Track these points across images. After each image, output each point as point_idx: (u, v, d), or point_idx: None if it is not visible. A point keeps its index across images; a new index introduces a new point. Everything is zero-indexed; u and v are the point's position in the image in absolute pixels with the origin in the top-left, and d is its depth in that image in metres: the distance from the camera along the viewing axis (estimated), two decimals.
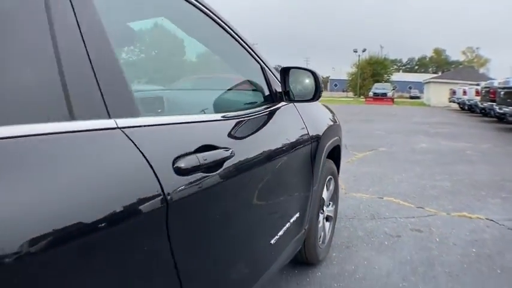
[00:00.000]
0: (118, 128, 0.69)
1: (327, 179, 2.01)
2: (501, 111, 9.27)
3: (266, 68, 1.41)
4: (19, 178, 0.53)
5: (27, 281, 0.50)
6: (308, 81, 1.40)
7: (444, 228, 2.60)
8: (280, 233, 1.34)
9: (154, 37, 1.99)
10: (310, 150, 1.63)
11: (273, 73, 1.44)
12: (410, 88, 53.38)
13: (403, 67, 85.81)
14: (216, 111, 1.23)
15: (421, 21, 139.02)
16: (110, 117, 0.68)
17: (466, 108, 16.28)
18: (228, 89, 1.49)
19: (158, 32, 1.84)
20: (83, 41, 0.68)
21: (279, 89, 1.43)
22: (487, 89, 11.25)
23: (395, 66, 68.55)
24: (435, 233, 2.52)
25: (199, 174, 0.83)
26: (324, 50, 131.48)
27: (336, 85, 64.66)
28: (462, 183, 3.82)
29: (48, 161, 0.57)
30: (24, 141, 0.55)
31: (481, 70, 51.65)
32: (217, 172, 0.89)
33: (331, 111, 2.27)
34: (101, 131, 0.66)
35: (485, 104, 11.62)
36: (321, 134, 1.79)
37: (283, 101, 1.44)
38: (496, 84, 10.62)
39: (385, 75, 40.39)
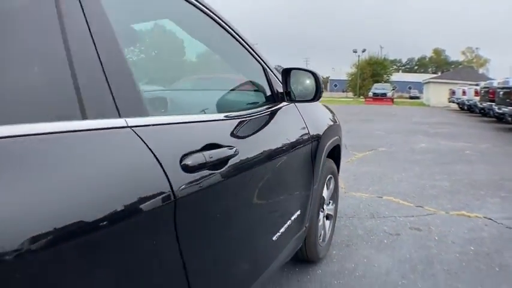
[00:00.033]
0: (128, 126, 0.72)
1: (327, 178, 2.04)
2: (500, 111, 9.31)
3: (268, 68, 1.44)
4: (37, 174, 0.55)
5: (40, 276, 0.53)
6: (309, 81, 1.43)
7: (443, 227, 2.62)
8: (282, 230, 1.37)
9: (159, 38, 2.03)
10: (310, 149, 1.66)
11: (274, 74, 1.47)
12: (409, 88, 53.43)
13: (403, 67, 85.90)
14: (220, 111, 1.26)
15: (421, 21, 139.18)
16: (120, 116, 0.71)
17: (466, 108, 16.31)
18: (231, 90, 1.52)
19: (162, 34, 1.87)
20: (94, 44, 0.71)
21: (281, 90, 1.46)
22: (486, 89, 11.29)
23: (394, 67, 68.66)
24: (434, 231, 2.55)
25: (206, 172, 0.86)
26: (324, 50, 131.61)
27: (335, 85, 64.71)
28: (461, 183, 3.85)
29: (63, 158, 0.60)
30: (41, 139, 0.57)
31: (481, 70, 51.78)
32: (222, 170, 0.93)
33: (331, 111, 2.30)
34: (112, 130, 0.69)
35: (484, 104, 11.66)
36: (321, 133, 1.82)
37: (284, 101, 1.47)
38: (495, 84, 10.65)
39: (385, 76, 40.47)
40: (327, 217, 2.16)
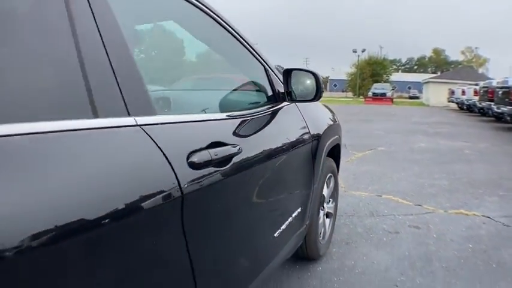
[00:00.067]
0: (138, 125, 0.75)
1: (327, 176, 2.07)
2: (499, 110, 9.35)
3: (269, 69, 1.47)
4: (52, 170, 0.59)
5: (54, 270, 0.56)
6: (309, 82, 1.46)
7: (442, 225, 2.66)
8: (283, 226, 1.40)
9: (163, 40, 2.07)
10: (311, 148, 1.70)
11: (275, 74, 1.51)
12: (409, 88, 53.48)
13: (402, 67, 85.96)
14: (223, 110, 1.29)
15: (421, 21, 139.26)
16: (129, 115, 0.74)
17: (465, 108, 16.36)
18: (233, 90, 1.56)
19: (166, 35, 1.91)
20: (104, 46, 0.74)
21: (282, 90, 1.49)
22: (485, 89, 11.33)
23: (394, 66, 68.69)
24: (433, 229, 2.58)
25: (211, 169, 0.90)
26: (324, 50, 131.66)
27: (335, 85, 64.76)
28: (460, 182, 3.88)
29: (76, 154, 0.63)
30: (55, 136, 0.61)
31: (480, 70, 51.83)
32: (227, 167, 0.96)
33: (331, 111, 2.33)
34: (123, 128, 0.73)
35: (483, 104, 11.70)
36: (321, 133, 1.85)
37: (285, 101, 1.51)
38: (494, 84, 10.70)
39: (385, 76, 40.52)
40: (327, 215, 2.19)
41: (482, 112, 12.52)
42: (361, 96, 36.67)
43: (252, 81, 1.53)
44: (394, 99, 29.07)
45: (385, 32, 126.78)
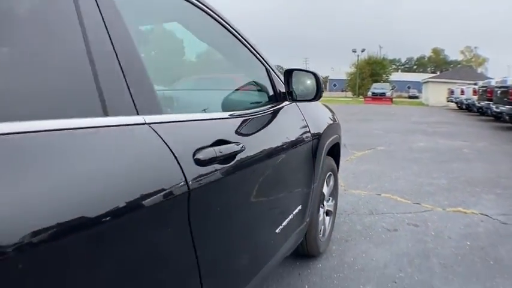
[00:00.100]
0: (146, 123, 0.79)
1: (327, 175, 2.11)
2: (498, 110, 9.38)
3: (271, 70, 1.51)
4: (66, 165, 0.62)
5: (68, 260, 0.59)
6: (310, 82, 1.50)
7: (440, 223, 2.69)
8: (284, 223, 1.44)
9: (167, 40, 2.11)
10: (311, 147, 1.73)
11: (277, 75, 1.55)
12: (409, 88, 53.50)
13: (402, 67, 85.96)
14: (226, 109, 1.33)
15: (420, 21, 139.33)
16: (138, 114, 0.78)
17: (464, 107, 16.40)
18: (236, 89, 1.59)
19: (171, 36, 1.95)
20: (113, 47, 0.77)
21: (283, 90, 1.53)
22: (484, 88, 11.37)
23: (394, 66, 68.69)
24: (431, 227, 2.62)
25: (216, 166, 0.93)
26: (323, 50, 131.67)
27: (335, 85, 64.80)
28: (458, 181, 3.92)
29: (88, 151, 0.67)
30: (68, 133, 0.64)
31: (479, 69, 51.89)
32: (231, 164, 1.00)
33: (331, 111, 2.36)
34: (132, 126, 0.76)
35: (482, 103, 11.74)
36: (321, 132, 1.89)
37: (286, 100, 1.54)
38: (493, 83, 10.74)
39: (384, 75, 40.54)
40: (327, 213, 2.23)
41: (481, 111, 12.57)
42: (360, 96, 36.70)
43: (254, 81, 1.57)
44: (394, 99, 29.10)
45: (384, 32, 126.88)
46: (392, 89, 31.65)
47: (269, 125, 1.38)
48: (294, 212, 1.56)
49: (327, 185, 2.16)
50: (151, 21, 1.50)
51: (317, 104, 2.05)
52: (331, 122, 2.16)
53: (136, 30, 0.88)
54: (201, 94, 1.98)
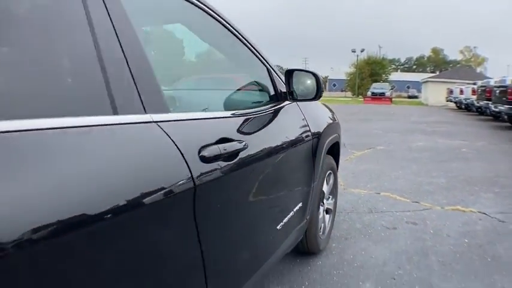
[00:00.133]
0: (153, 121, 0.82)
1: (327, 173, 2.14)
2: (496, 109, 9.42)
3: (272, 70, 1.54)
4: (78, 161, 0.65)
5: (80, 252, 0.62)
6: (310, 82, 1.53)
7: (438, 221, 2.72)
8: (285, 220, 1.47)
9: (171, 41, 2.14)
10: (311, 145, 1.76)
11: (277, 75, 1.58)
12: (408, 87, 53.56)
13: (401, 67, 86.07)
14: (229, 109, 1.35)
15: (420, 21, 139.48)
16: (146, 112, 0.81)
17: (463, 107, 16.44)
18: (238, 89, 1.62)
19: (174, 37, 1.99)
20: (122, 49, 0.80)
21: (284, 89, 1.56)
22: (483, 88, 11.41)
23: (393, 66, 68.83)
24: (429, 225, 2.65)
25: (220, 163, 0.97)
26: (323, 50, 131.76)
27: (334, 85, 64.88)
28: (457, 180, 3.95)
29: (98, 147, 0.70)
30: (80, 131, 0.67)
31: (479, 69, 51.96)
32: (235, 161, 1.03)
33: (331, 110, 2.39)
34: (140, 124, 0.79)
35: (481, 103, 11.78)
36: (321, 131, 1.92)
37: (287, 100, 1.57)
38: (492, 83, 10.78)
39: (384, 75, 40.61)
40: (327, 211, 2.25)
41: (480, 111, 12.61)
42: (360, 96, 36.74)
43: (255, 81, 1.60)
44: (393, 99, 29.13)
45: (384, 31, 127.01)
46: (391, 88, 31.69)
47: (270, 124, 1.41)
48: (295, 209, 1.58)
49: (327, 184, 2.19)
50: (156, 23, 1.54)
51: (317, 104, 2.08)
52: (331, 121, 2.18)
53: (142, 32, 0.91)
54: (205, 94, 2.01)
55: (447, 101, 20.16)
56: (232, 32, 1.32)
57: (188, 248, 0.88)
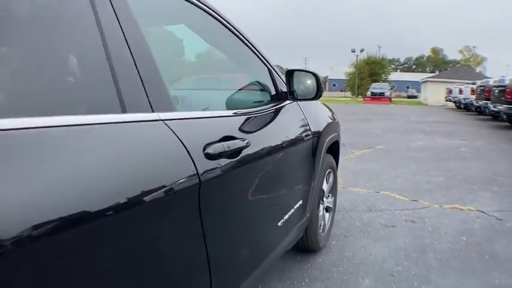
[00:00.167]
0: (160, 120, 0.85)
1: (327, 172, 2.17)
2: (495, 109, 9.45)
3: (273, 70, 1.58)
4: (89, 157, 0.68)
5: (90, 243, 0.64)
6: (310, 82, 1.56)
7: (437, 219, 2.75)
8: (286, 217, 1.50)
9: (177, 43, 2.18)
10: (311, 144, 1.79)
11: (278, 75, 1.61)
12: (407, 87, 53.59)
13: (401, 66, 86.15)
14: (231, 108, 1.38)
15: (419, 20, 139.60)
16: (153, 111, 0.84)
17: (462, 106, 16.48)
18: (240, 89, 1.66)
19: (180, 39, 2.03)
20: (130, 50, 0.84)
21: (284, 89, 1.59)
22: (482, 88, 11.44)
23: (393, 66, 68.90)
24: (428, 223, 2.68)
25: (224, 160, 1.00)
26: (323, 50, 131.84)
27: (334, 85, 64.95)
28: (455, 179, 3.98)
29: (108, 144, 0.73)
30: (91, 128, 0.70)
31: (478, 69, 51.99)
32: (238, 158, 1.06)
33: (331, 110, 2.42)
34: (148, 122, 0.83)
35: (480, 103, 11.81)
36: (321, 130, 1.95)
37: (288, 99, 1.61)
38: (491, 82, 10.82)
39: (383, 75, 40.65)
40: (327, 209, 2.29)
41: (479, 111, 12.64)
42: (359, 96, 36.77)
43: (257, 81, 1.63)
44: (393, 99, 29.16)
45: (383, 31, 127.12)
46: (391, 88, 31.70)
47: (272, 123, 1.44)
48: (295, 207, 1.62)
49: (327, 182, 2.22)
50: (161, 25, 1.58)
51: (317, 103, 2.11)
52: (331, 120, 2.22)
53: (149, 34, 0.94)
54: (208, 93, 2.05)
55: (446, 100, 20.21)
56: (234, 33, 1.35)
57: (194, 242, 0.91)
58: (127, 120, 0.78)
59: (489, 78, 14.84)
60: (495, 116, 10.28)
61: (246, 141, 1.12)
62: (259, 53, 1.50)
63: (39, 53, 0.72)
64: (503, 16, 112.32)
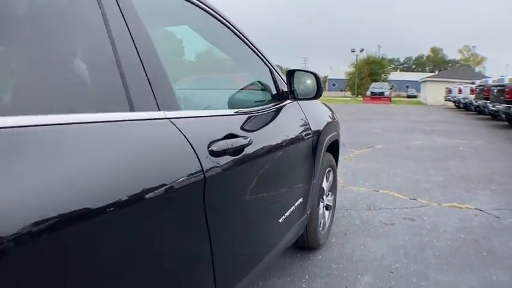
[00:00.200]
0: (167, 118, 0.88)
1: (327, 170, 2.20)
2: (494, 108, 9.49)
3: (274, 70, 1.61)
4: (99, 153, 0.71)
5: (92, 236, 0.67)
6: (310, 81, 1.60)
7: (435, 217, 2.78)
8: (287, 213, 1.53)
9: (181, 43, 2.22)
10: (312, 143, 1.83)
11: (279, 75, 1.64)
12: (407, 87, 53.61)
13: (401, 66, 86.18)
14: (233, 107, 1.42)
15: (419, 20, 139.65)
16: (159, 110, 0.87)
17: (462, 106, 16.51)
18: (241, 88, 1.69)
19: (182, 39, 2.07)
20: (137, 51, 0.87)
21: (285, 89, 1.62)
22: (481, 87, 11.48)
23: (392, 66, 68.91)
24: (426, 221, 2.71)
25: (228, 157, 1.03)
26: (322, 50, 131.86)
27: (334, 85, 65.00)
28: (454, 177, 4.01)
29: (118, 141, 0.76)
30: (102, 125, 0.74)
31: (477, 68, 52.05)
32: (240, 156, 1.10)
33: (331, 109, 2.45)
34: (154, 120, 0.86)
35: (479, 102, 11.85)
36: (321, 129, 1.98)
37: (288, 99, 1.64)
38: (490, 82, 10.85)
39: (383, 75, 40.67)
40: (326, 207, 2.32)
41: (479, 110, 12.68)
42: (359, 96, 36.81)
43: (258, 81, 1.66)
44: (392, 98, 29.21)
45: (383, 31, 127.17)
46: (391, 88, 31.74)
47: (273, 122, 1.48)
48: (296, 204, 1.65)
49: (327, 180, 2.25)
50: (165, 26, 1.62)
51: (317, 103, 2.14)
52: (331, 120, 2.25)
53: (154, 35, 0.98)
54: (211, 93, 2.08)
55: (446, 100, 20.24)
56: (236, 34, 1.39)
57: (199, 235, 0.94)
58: (135, 118, 0.81)
59: (488, 77, 14.88)
60: (494, 116, 10.32)
61: (249, 139, 1.16)
62: (261, 54, 1.54)
63: (56, 56, 0.76)
64: (502, 16, 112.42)
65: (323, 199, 2.22)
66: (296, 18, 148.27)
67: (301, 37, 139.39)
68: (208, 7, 1.23)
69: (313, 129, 1.84)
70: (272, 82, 1.61)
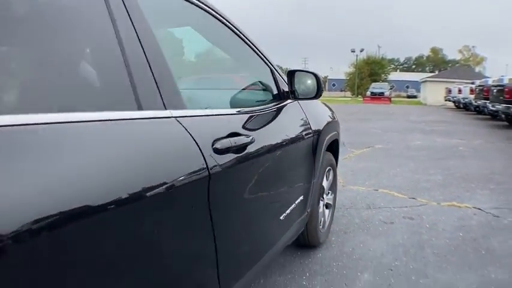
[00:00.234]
0: (173, 117, 0.91)
1: (327, 169, 2.22)
2: (494, 108, 9.51)
3: (275, 70, 1.64)
4: (108, 151, 0.73)
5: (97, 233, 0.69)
6: (310, 81, 1.62)
7: (434, 216, 2.81)
8: (288, 211, 1.56)
9: (184, 44, 2.24)
10: (312, 142, 1.85)
11: (280, 75, 1.67)
12: (407, 87, 53.64)
13: (401, 66, 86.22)
14: (235, 106, 1.44)
15: (419, 20, 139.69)
16: (166, 108, 0.90)
17: (461, 106, 16.53)
18: (243, 88, 1.71)
19: (186, 40, 2.09)
20: (144, 51, 0.89)
21: (286, 89, 1.65)
22: (481, 87, 11.50)
23: (392, 66, 68.95)
24: (426, 220, 2.73)
25: (231, 154, 1.06)
26: (322, 50, 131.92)
27: (334, 85, 65.03)
28: (453, 177, 4.04)
29: (125, 138, 0.79)
30: (110, 123, 0.76)
31: (477, 69, 52.07)
32: (243, 154, 1.12)
33: (331, 109, 2.48)
34: (161, 119, 0.88)
35: (479, 102, 11.87)
36: (321, 128, 2.00)
37: (289, 99, 1.67)
38: (489, 82, 10.88)
39: (383, 75, 40.70)
40: (327, 206, 2.34)
41: (478, 110, 12.70)
42: (359, 96, 36.83)
43: (259, 81, 1.69)
44: (392, 99, 29.22)
45: (383, 31, 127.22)
46: (391, 88, 31.75)
47: (274, 121, 1.50)
48: (296, 202, 1.67)
49: (327, 179, 2.27)
50: (169, 27, 1.65)
51: (317, 103, 2.17)
52: (331, 119, 2.27)
53: (160, 36, 1.00)
54: (214, 92, 2.11)
55: (445, 100, 20.26)
56: (238, 35, 1.42)
57: (204, 231, 0.96)
58: (142, 117, 0.83)
59: (488, 77, 14.91)
60: (494, 116, 10.34)
61: (251, 137, 1.18)
62: (262, 54, 1.56)
63: (68, 56, 0.79)
64: (502, 16, 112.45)
65: (323, 198, 2.24)
66: (296, 18, 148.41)
67: (301, 37, 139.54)
68: (210, 8, 1.25)
69: (313, 128, 1.87)
70: (273, 82, 1.63)
